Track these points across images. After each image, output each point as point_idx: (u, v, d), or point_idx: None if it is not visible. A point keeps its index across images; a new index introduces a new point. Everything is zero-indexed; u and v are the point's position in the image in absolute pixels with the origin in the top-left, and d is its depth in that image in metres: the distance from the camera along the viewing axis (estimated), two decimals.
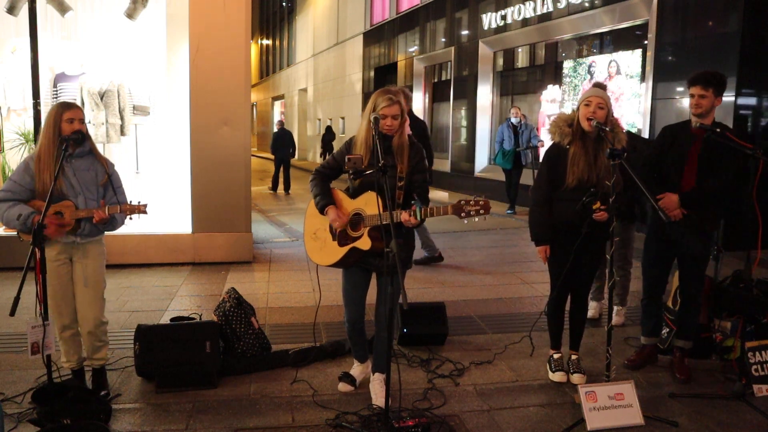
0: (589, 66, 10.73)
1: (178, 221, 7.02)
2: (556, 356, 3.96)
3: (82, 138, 3.43)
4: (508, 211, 11.00)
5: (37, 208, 3.36)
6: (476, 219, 3.04)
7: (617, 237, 3.69)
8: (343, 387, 3.75)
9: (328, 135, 23.06)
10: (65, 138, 3.34)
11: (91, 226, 3.47)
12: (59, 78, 7.02)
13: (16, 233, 3.51)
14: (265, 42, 41.02)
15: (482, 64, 13.84)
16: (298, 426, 3.32)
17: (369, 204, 3.30)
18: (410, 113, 5.44)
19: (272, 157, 15.76)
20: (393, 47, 19.13)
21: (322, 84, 26.76)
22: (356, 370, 3.82)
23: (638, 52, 9.58)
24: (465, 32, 14.66)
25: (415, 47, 17.42)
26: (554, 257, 3.77)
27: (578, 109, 3.68)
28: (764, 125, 7.89)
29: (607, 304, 4.14)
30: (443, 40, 15.83)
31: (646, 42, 9.12)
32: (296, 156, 19.92)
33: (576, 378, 3.83)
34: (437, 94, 17.08)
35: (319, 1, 27.21)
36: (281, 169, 15.35)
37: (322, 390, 3.74)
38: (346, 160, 3.19)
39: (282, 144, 15.24)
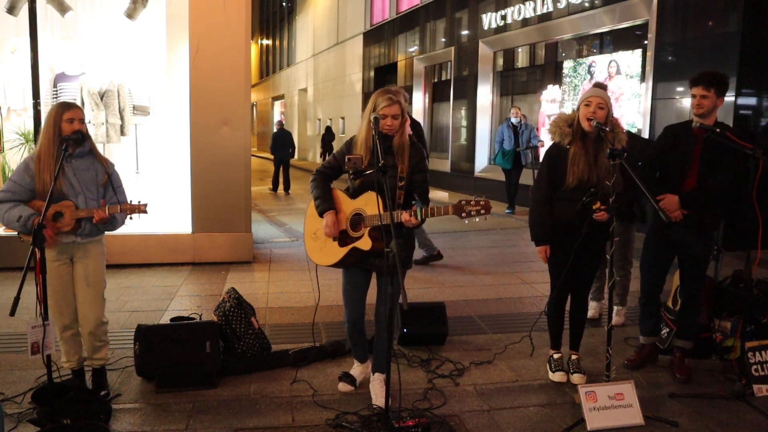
0: (589, 66, 10.73)
1: (178, 221, 7.02)
2: (556, 356, 3.97)
3: (82, 138, 3.43)
4: (507, 211, 11.00)
5: (38, 209, 3.36)
6: (477, 219, 3.04)
7: (617, 237, 3.69)
8: (343, 387, 3.75)
9: (328, 135, 23.07)
10: (65, 138, 3.34)
11: (92, 225, 3.47)
12: (59, 78, 7.02)
13: (16, 233, 3.51)
14: (265, 42, 41.02)
15: (482, 64, 13.84)
16: (298, 426, 3.32)
17: (369, 204, 3.30)
18: None
19: (272, 157, 15.74)
20: (393, 47, 19.13)
21: (322, 84, 26.76)
22: (356, 370, 3.82)
23: (638, 52, 9.58)
24: (465, 32, 14.66)
25: (415, 47, 17.42)
26: (554, 257, 3.77)
27: (578, 109, 3.68)
28: (764, 125, 7.89)
29: (607, 304, 4.14)
30: (443, 40, 15.83)
31: (646, 42, 9.12)
32: (296, 156, 19.93)
33: (576, 378, 3.83)
34: (437, 94, 17.08)
35: (319, 1, 27.21)
36: (281, 169, 15.34)
37: (322, 390, 3.74)
38: (346, 160, 3.18)
39: (281, 144, 15.22)
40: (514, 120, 10.72)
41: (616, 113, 3.87)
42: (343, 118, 23.93)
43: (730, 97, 7.23)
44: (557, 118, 3.77)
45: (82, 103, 6.83)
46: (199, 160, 6.86)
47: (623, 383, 3.43)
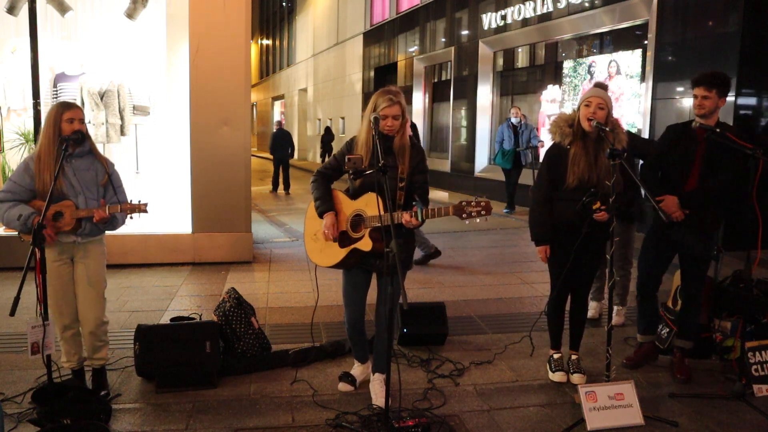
0: (589, 66, 10.73)
1: (178, 221, 7.02)
2: (556, 356, 3.96)
3: (82, 138, 3.43)
4: (505, 210, 11.00)
5: (38, 209, 3.36)
6: (477, 220, 3.04)
7: (617, 237, 3.68)
8: (343, 387, 3.75)
9: (327, 135, 23.06)
10: (65, 138, 3.34)
11: (92, 225, 3.47)
12: (59, 78, 7.02)
13: (17, 233, 3.51)
14: (265, 42, 41.02)
15: (482, 64, 13.84)
16: (298, 426, 3.32)
17: (369, 205, 3.30)
18: None
19: (272, 157, 15.72)
20: (393, 47, 19.13)
21: (322, 84, 26.76)
22: (357, 370, 3.82)
23: (638, 52, 9.58)
24: (465, 32, 14.66)
25: (415, 47, 17.42)
26: (554, 257, 3.77)
27: (579, 109, 3.68)
28: (764, 125, 7.89)
29: (607, 304, 4.14)
30: (443, 40, 15.83)
31: (646, 42, 9.12)
32: (296, 156, 19.90)
33: (576, 378, 3.83)
34: (437, 94, 17.09)
35: (319, 1, 27.22)
36: (280, 169, 15.33)
37: (322, 390, 3.74)
38: (346, 160, 3.18)
39: (281, 144, 15.21)
40: (514, 120, 10.72)
41: (616, 113, 3.87)
42: (343, 118, 23.93)
43: (730, 97, 7.21)
44: (557, 118, 3.77)
45: (82, 103, 6.83)
46: (199, 160, 6.86)
47: (623, 383, 3.43)
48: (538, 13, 11.71)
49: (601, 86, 3.76)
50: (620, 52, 10.12)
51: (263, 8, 39.93)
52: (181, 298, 5.70)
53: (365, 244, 3.32)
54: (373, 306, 3.57)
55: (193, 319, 4.15)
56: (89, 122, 6.70)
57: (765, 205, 3.68)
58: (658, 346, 4.26)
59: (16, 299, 2.85)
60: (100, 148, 3.97)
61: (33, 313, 3.04)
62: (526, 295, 5.90)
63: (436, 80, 17.19)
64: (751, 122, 7.79)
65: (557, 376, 3.89)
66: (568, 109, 11.00)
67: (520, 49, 13.51)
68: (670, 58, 8.62)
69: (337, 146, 22.50)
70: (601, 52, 10.82)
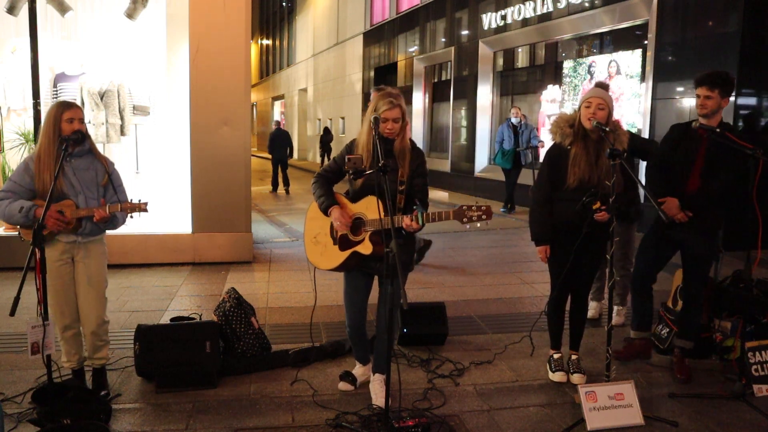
0: (589, 66, 10.73)
1: (178, 221, 7.02)
2: (556, 356, 3.96)
3: (81, 138, 3.43)
4: (502, 210, 11.00)
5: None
6: (478, 224, 3.05)
7: (617, 237, 3.68)
8: (343, 386, 3.75)
9: (326, 136, 23.05)
10: (65, 138, 3.34)
11: (93, 225, 3.47)
12: (59, 78, 7.02)
13: (17, 233, 3.51)
14: (265, 42, 41.03)
15: (482, 64, 13.84)
16: (298, 426, 3.32)
17: (370, 208, 3.30)
18: None
19: (270, 157, 15.69)
20: (393, 47, 19.14)
21: (322, 84, 26.76)
22: (358, 371, 3.82)
23: (638, 52, 9.58)
24: (465, 32, 14.66)
25: (415, 47, 17.43)
26: (554, 257, 3.77)
27: (579, 109, 3.68)
28: (764, 125, 7.89)
29: (607, 304, 4.14)
30: (443, 40, 15.83)
31: (646, 42, 9.12)
32: (295, 156, 19.89)
33: (576, 378, 3.83)
34: (437, 94, 17.09)
35: (319, 1, 27.22)
36: (279, 168, 15.32)
37: (322, 390, 3.74)
38: (346, 160, 3.18)
39: (279, 144, 15.20)
40: (514, 120, 10.72)
41: (616, 113, 3.87)
42: (343, 118, 23.93)
43: (730, 97, 7.24)
44: (558, 118, 3.76)
45: (82, 103, 6.83)
46: (199, 160, 6.86)
47: (623, 383, 3.43)
48: (538, 13, 11.71)
49: (602, 86, 3.76)
50: (620, 52, 10.12)
51: (263, 8, 39.93)
52: (181, 298, 5.70)
53: (365, 248, 3.32)
54: (374, 307, 3.57)
55: (193, 319, 4.15)
56: (89, 122, 6.70)
57: (765, 205, 3.68)
58: (657, 346, 4.26)
59: (16, 299, 2.85)
60: (100, 148, 3.97)
61: (33, 313, 3.04)
62: (526, 295, 5.90)
63: (436, 80, 17.20)
64: (752, 122, 7.79)
65: (557, 376, 3.88)
66: (568, 109, 11.01)
67: (520, 49, 13.51)
68: (670, 58, 8.62)
69: (336, 146, 22.50)
70: (601, 52, 10.82)
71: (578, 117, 3.66)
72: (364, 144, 3.36)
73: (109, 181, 3.55)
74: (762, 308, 3.98)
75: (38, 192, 3.41)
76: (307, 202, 3.90)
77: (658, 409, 3.51)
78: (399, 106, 3.30)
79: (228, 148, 6.87)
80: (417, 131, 17.09)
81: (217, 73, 6.77)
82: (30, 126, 6.90)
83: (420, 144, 16.74)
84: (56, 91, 6.98)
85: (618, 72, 10.00)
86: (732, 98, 7.38)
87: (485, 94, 13.91)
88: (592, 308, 4.93)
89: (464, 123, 14.81)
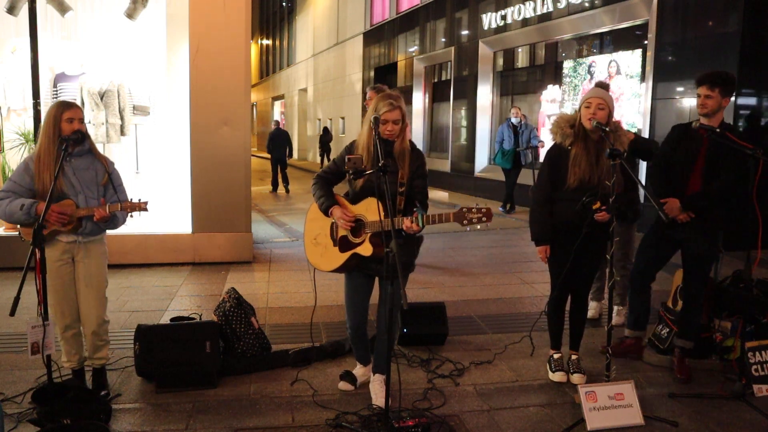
0: (589, 66, 10.73)
1: (178, 221, 7.02)
2: (556, 356, 3.96)
3: (81, 137, 3.43)
4: (500, 209, 11.00)
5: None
6: (478, 227, 3.05)
7: (617, 237, 3.69)
8: (343, 386, 3.75)
9: (326, 136, 23.05)
10: (65, 138, 3.34)
11: (93, 224, 3.47)
12: (59, 78, 7.02)
13: (17, 233, 3.51)
14: (265, 42, 41.03)
15: (482, 64, 13.84)
16: (298, 426, 3.32)
17: (370, 210, 3.30)
18: None
19: (270, 156, 15.68)
20: (393, 47, 19.13)
21: (322, 84, 26.76)
22: (358, 371, 3.82)
23: (638, 52, 9.58)
24: (465, 32, 14.66)
25: (415, 47, 17.43)
26: (554, 257, 3.77)
27: (580, 109, 3.68)
28: (764, 125, 7.89)
29: (607, 304, 4.14)
30: (443, 40, 15.83)
31: (646, 42, 9.12)
32: (295, 156, 19.88)
33: (576, 378, 3.83)
34: (437, 94, 17.09)
35: (319, 1, 27.22)
36: (278, 168, 15.32)
37: (322, 390, 3.74)
38: (346, 160, 3.18)
39: (278, 144, 15.20)
40: (514, 120, 10.72)
41: (616, 114, 3.87)
42: (343, 118, 23.93)
43: (731, 97, 7.24)
44: (559, 118, 3.76)
45: (82, 103, 6.83)
46: (199, 160, 6.86)
47: (623, 383, 3.43)
48: (538, 13, 11.71)
49: (603, 86, 3.77)
50: (620, 52, 10.12)
51: (263, 8, 39.93)
52: (181, 298, 5.70)
53: (365, 249, 3.32)
54: (375, 307, 3.57)
55: (193, 319, 4.15)
56: (89, 122, 6.70)
57: (765, 205, 3.68)
58: (657, 345, 4.26)
59: (16, 299, 2.85)
60: (100, 148, 3.97)
61: (33, 313, 3.04)
62: (526, 295, 5.90)
63: (436, 80, 17.20)
64: (752, 122, 7.79)
65: (557, 376, 3.88)
66: (568, 109, 11.01)
67: (520, 49, 13.51)
68: (670, 58, 8.62)
69: (335, 146, 22.50)
70: (601, 52, 10.82)
71: (579, 117, 3.66)
72: (364, 145, 3.36)
73: (109, 181, 3.55)
74: (762, 308, 3.98)
75: (38, 192, 3.41)
76: (306, 203, 3.90)
77: (658, 409, 3.51)
78: (399, 107, 3.31)
79: (228, 148, 6.87)
80: (417, 131, 17.10)
81: (217, 73, 6.77)
82: (30, 126, 6.90)
83: (420, 144, 16.75)
84: (56, 91, 6.98)
85: (618, 72, 10.00)
86: (732, 98, 7.40)
87: (485, 94, 13.91)
88: (592, 308, 4.93)
89: (464, 123, 14.81)
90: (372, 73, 20.60)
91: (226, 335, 4.02)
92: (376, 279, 3.54)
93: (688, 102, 8.19)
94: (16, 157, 7.08)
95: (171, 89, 7.13)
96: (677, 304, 4.21)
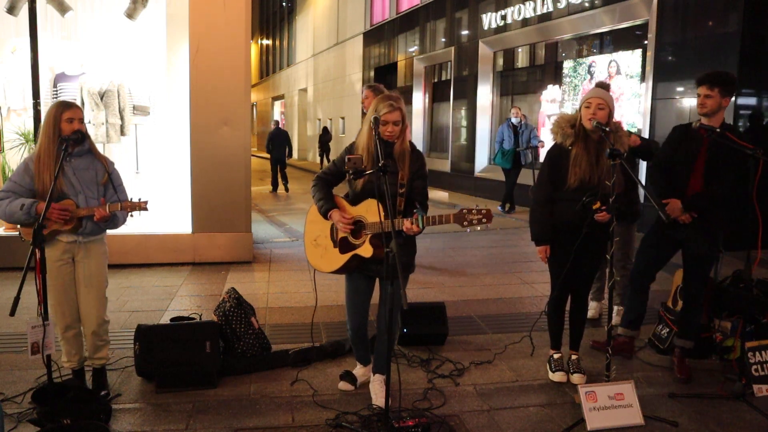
0: (589, 66, 10.73)
1: (178, 221, 7.02)
2: (556, 356, 3.96)
3: (81, 137, 3.43)
4: (499, 208, 11.00)
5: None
6: (478, 228, 3.05)
7: (617, 237, 3.69)
8: (343, 385, 3.75)
9: (325, 135, 23.05)
10: (65, 138, 3.34)
11: (93, 224, 3.47)
12: (59, 78, 7.02)
13: (17, 233, 3.51)
14: (265, 42, 41.03)
15: (482, 64, 13.84)
16: (298, 426, 3.32)
17: (370, 211, 3.30)
18: None
19: (269, 156, 15.67)
20: (393, 47, 19.13)
21: (322, 84, 26.76)
22: (359, 371, 3.82)
23: (638, 52, 9.58)
24: (465, 32, 14.66)
25: (415, 47, 17.42)
26: (554, 257, 3.77)
27: (580, 110, 3.68)
28: (764, 125, 7.89)
29: (607, 304, 4.14)
30: (443, 40, 15.83)
31: (646, 42, 9.12)
32: (295, 156, 19.88)
33: (576, 378, 3.83)
34: (437, 94, 17.09)
35: (319, 1, 27.22)
36: (278, 168, 15.32)
37: (322, 390, 3.74)
38: (346, 160, 3.18)
39: (278, 143, 15.20)
40: (514, 120, 10.72)
41: (616, 114, 3.87)
42: (343, 118, 23.93)
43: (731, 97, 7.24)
44: (559, 118, 3.76)
45: (82, 103, 6.83)
46: (199, 160, 6.86)
47: (623, 383, 3.43)
48: (538, 13, 11.71)
49: (603, 86, 3.77)
50: (620, 52, 10.12)
51: (263, 8, 39.93)
52: (181, 298, 5.70)
53: (366, 251, 3.32)
54: (375, 307, 3.57)
55: (193, 319, 4.15)
56: (89, 122, 6.70)
57: (765, 205, 3.68)
58: (657, 345, 4.26)
59: (16, 299, 2.85)
60: (100, 148, 3.97)
61: (33, 313, 3.04)
62: (526, 295, 5.90)
63: (436, 80, 17.19)
64: (752, 122, 7.79)
65: (557, 376, 3.88)
66: (568, 109, 11.01)
67: (520, 49, 13.51)
68: (670, 58, 8.62)
69: (335, 146, 22.50)
70: (601, 52, 10.82)
71: (579, 117, 3.66)
72: (364, 145, 3.36)
73: (109, 181, 3.55)
74: (762, 308, 3.98)
75: (38, 192, 3.41)
76: (306, 203, 3.90)
77: (658, 409, 3.51)
78: (399, 109, 3.30)
79: (228, 148, 6.87)
80: (417, 131, 17.10)
81: (217, 73, 6.77)
82: (30, 126, 6.90)
83: (420, 144, 16.74)
84: (56, 91, 6.98)
85: (618, 72, 10.00)
86: (732, 98, 7.40)
87: (485, 94, 13.91)
88: (592, 308, 4.93)
89: (464, 123, 14.81)
90: (372, 73, 20.60)
91: (226, 335, 4.02)
92: (377, 280, 3.54)
93: (688, 102, 8.19)
94: (16, 157, 7.08)
95: (171, 89, 7.13)
96: (677, 304, 4.21)
